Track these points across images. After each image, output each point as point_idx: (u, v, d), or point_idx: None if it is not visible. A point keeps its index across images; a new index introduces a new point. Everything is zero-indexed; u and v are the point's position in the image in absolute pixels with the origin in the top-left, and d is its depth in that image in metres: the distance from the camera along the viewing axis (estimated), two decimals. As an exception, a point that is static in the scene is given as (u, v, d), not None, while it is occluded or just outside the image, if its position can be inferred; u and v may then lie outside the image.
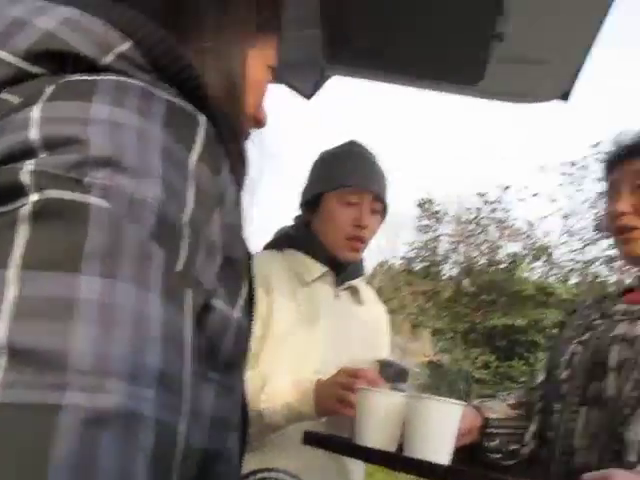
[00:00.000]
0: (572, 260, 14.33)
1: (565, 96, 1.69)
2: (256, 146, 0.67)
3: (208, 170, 0.44)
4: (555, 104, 1.73)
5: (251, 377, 1.30)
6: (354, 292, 1.55)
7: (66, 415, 0.31)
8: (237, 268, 0.48)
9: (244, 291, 0.49)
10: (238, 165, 0.55)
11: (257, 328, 1.38)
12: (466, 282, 13.89)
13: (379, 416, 1.13)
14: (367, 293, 1.60)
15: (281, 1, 0.70)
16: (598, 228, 13.92)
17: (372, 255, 16.82)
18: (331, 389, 1.27)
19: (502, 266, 13.47)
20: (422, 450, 1.05)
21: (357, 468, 1.46)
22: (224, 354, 0.46)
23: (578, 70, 1.57)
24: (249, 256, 0.52)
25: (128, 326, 0.35)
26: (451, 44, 1.46)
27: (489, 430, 1.31)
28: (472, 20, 1.34)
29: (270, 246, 1.55)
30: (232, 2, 0.61)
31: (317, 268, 1.48)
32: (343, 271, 1.51)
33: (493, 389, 10.14)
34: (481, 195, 14.43)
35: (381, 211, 1.51)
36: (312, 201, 1.51)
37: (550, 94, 1.70)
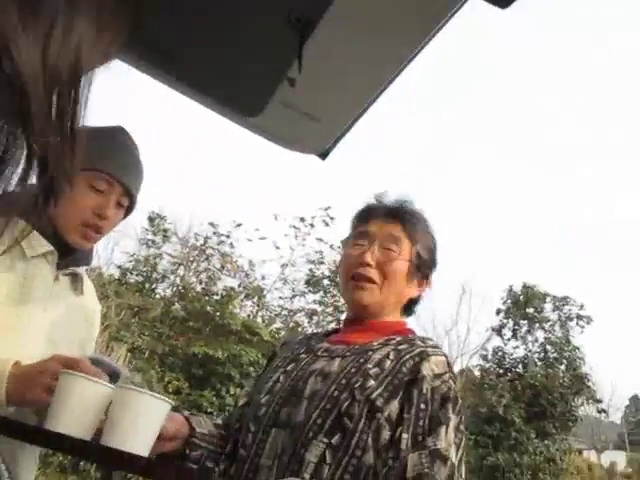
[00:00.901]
0: (280, 306, 15.36)
1: (324, 155, 1.84)
2: None
3: None
4: (313, 159, 1.88)
5: None
6: (75, 280, 1.45)
7: None
8: None
9: None
10: None
11: None
12: (177, 306, 13.86)
13: (80, 401, 1.05)
14: (88, 285, 1.51)
15: None
16: (308, 282, 15.19)
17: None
18: (39, 377, 1.14)
19: (216, 297, 13.78)
20: (123, 441, 1.00)
21: (28, 469, 1.33)
22: None
23: (342, 135, 1.72)
24: None
25: None
26: (242, 72, 1.49)
27: (194, 440, 1.32)
28: (268, 56, 1.39)
29: None
30: None
31: (42, 245, 1.35)
32: (69, 255, 1.40)
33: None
34: (213, 225, 14.74)
35: (126, 208, 1.45)
36: None
37: (311, 149, 1.83)
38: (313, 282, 15.25)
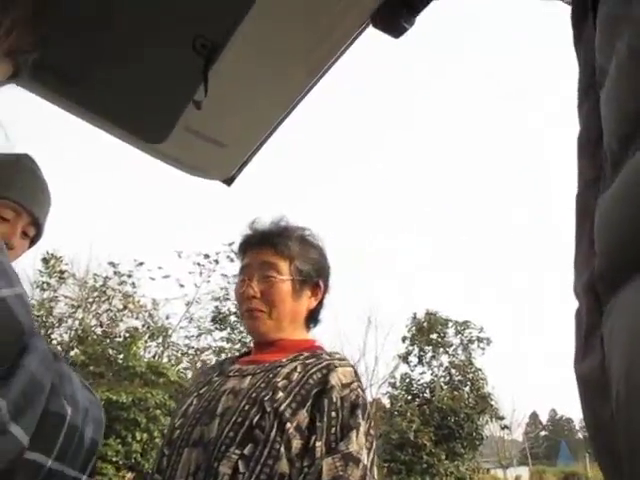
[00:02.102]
0: (187, 345, 14.98)
1: (229, 181, 1.86)
2: None
3: None
4: (219, 187, 1.89)
5: None
6: None
7: None
8: None
9: None
10: None
11: None
12: (77, 350, 13.19)
13: None
14: None
15: None
16: (214, 320, 14.94)
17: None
18: None
19: (118, 339, 13.25)
20: None
21: None
22: None
23: (247, 161, 1.75)
24: None
25: None
26: (147, 99, 1.49)
27: None
28: (174, 83, 1.40)
29: None
30: None
31: None
32: None
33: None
34: (113, 265, 14.25)
35: (32, 238, 1.40)
36: None
37: (217, 175, 1.84)
38: (219, 319, 15.02)
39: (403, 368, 19.71)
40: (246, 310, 1.50)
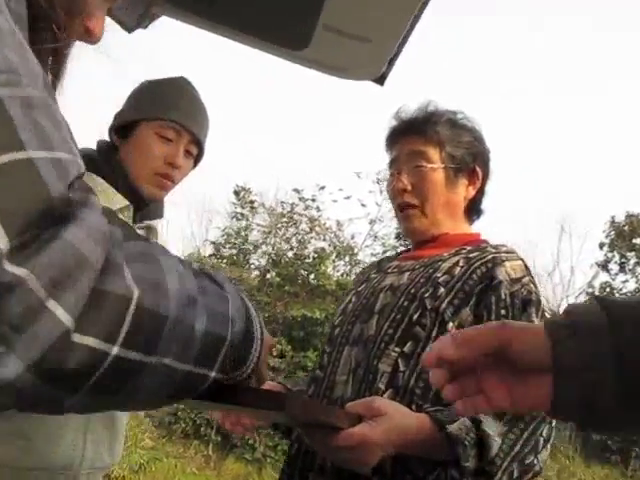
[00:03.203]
0: (372, 262, 15.43)
1: (381, 80, 1.78)
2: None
3: None
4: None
5: None
6: (150, 233, 1.48)
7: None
8: None
9: None
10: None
11: None
12: (272, 273, 14.19)
13: None
14: (164, 240, 1.54)
15: None
16: (398, 236, 15.09)
17: (184, 241, 16.70)
18: None
19: (308, 261, 13.98)
20: None
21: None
22: None
23: (396, 56, 1.65)
24: None
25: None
26: (283, 4, 1.45)
27: None
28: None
29: None
30: None
31: (118, 200, 1.35)
32: (143, 208, 1.43)
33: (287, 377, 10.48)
34: (297, 191, 14.88)
35: (195, 157, 1.46)
36: (126, 127, 1.41)
37: (366, 74, 1.77)
38: (403, 235, 15.13)
39: (603, 277, 18.41)
40: (398, 207, 1.39)
